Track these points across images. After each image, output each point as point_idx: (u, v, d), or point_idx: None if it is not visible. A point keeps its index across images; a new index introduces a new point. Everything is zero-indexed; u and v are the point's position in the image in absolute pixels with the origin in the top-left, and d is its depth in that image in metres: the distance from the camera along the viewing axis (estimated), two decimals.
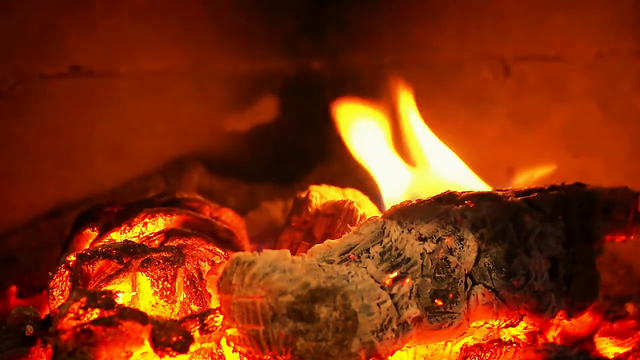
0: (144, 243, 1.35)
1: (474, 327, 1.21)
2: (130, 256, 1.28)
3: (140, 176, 2.04)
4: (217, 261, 1.34)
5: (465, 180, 1.54)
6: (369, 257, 1.13)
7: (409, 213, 1.21)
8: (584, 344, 1.40)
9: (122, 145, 2.00)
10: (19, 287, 1.54)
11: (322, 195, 1.48)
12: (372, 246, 1.14)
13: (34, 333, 1.26)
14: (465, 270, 1.17)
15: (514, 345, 1.23)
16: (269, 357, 1.06)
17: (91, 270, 1.29)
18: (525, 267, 1.20)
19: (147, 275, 1.27)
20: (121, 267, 1.28)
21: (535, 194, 1.29)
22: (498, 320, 1.20)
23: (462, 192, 1.26)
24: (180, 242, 1.35)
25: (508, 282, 1.19)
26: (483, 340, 1.26)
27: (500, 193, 1.28)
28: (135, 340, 1.07)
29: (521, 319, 1.23)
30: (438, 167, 1.57)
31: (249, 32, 2.18)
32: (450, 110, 2.00)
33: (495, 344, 1.24)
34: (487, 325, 1.21)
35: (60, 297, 1.27)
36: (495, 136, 2.02)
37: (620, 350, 1.36)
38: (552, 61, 1.92)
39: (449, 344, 1.25)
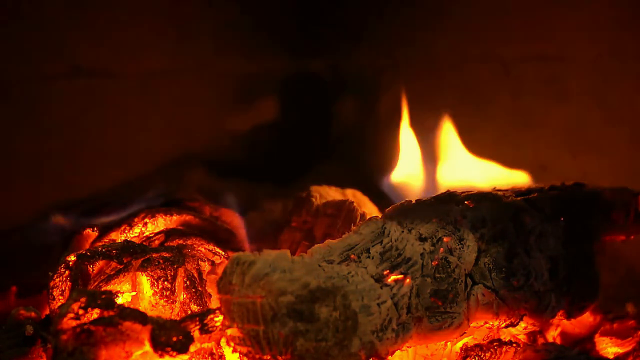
0: (144, 243, 1.35)
1: (474, 327, 1.21)
2: (130, 256, 1.28)
3: (140, 176, 2.04)
4: (217, 261, 1.34)
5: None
6: (369, 257, 1.13)
7: (409, 213, 1.21)
8: (584, 344, 1.40)
9: (122, 145, 2.00)
10: (19, 287, 1.54)
11: (322, 195, 1.48)
12: (372, 246, 1.14)
13: (34, 333, 1.25)
14: (465, 270, 1.17)
15: (514, 345, 1.23)
16: (269, 357, 1.06)
17: (91, 270, 1.29)
18: (525, 267, 1.20)
19: (147, 275, 1.27)
20: (121, 267, 1.28)
21: (535, 194, 1.30)
22: (498, 320, 1.20)
23: (462, 192, 1.26)
24: (180, 242, 1.35)
25: (508, 282, 1.19)
26: (483, 340, 1.26)
27: (500, 193, 1.28)
28: (135, 340, 1.07)
29: (521, 319, 1.23)
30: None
31: (249, 32, 2.18)
32: (451, 110, 2.00)
33: (495, 344, 1.24)
34: (487, 325, 1.21)
35: (60, 297, 1.27)
36: (495, 136, 2.02)
37: (620, 350, 1.36)
38: (552, 61, 1.92)
39: (449, 344, 1.25)
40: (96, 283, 1.27)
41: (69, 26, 1.86)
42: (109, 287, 1.25)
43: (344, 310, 1.04)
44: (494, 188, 1.33)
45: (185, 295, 1.28)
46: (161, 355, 1.07)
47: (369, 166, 1.94)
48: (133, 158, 2.03)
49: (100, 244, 1.37)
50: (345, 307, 1.05)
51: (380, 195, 1.63)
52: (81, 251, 1.31)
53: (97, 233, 1.40)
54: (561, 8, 1.89)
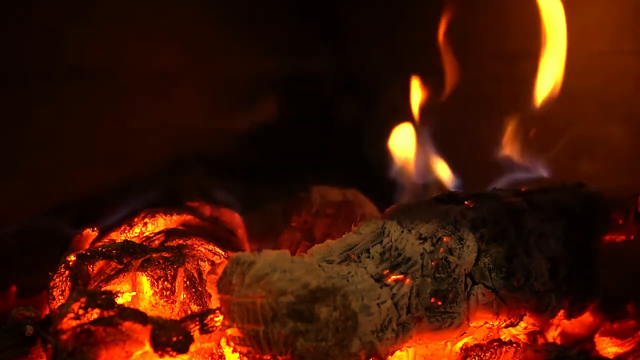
0: (144, 243, 1.35)
1: (474, 327, 1.21)
2: (130, 256, 1.28)
3: (140, 176, 2.04)
4: (217, 261, 1.34)
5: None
6: (369, 257, 1.13)
7: (409, 213, 1.21)
8: (584, 344, 1.40)
9: (122, 145, 2.00)
10: (19, 287, 1.54)
11: (322, 195, 1.48)
12: (372, 246, 1.14)
13: (34, 333, 1.26)
14: (465, 270, 1.17)
15: (514, 345, 1.23)
16: (269, 357, 1.06)
17: (91, 270, 1.29)
18: (525, 267, 1.20)
19: (147, 275, 1.27)
20: (121, 267, 1.28)
21: (536, 194, 1.30)
22: (498, 320, 1.20)
23: (462, 192, 1.27)
24: (180, 242, 1.35)
25: (508, 282, 1.19)
26: (483, 340, 1.26)
27: (500, 193, 1.28)
28: (135, 340, 1.07)
29: (521, 319, 1.23)
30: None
31: (249, 32, 2.18)
32: (451, 110, 2.00)
33: (495, 344, 1.24)
34: (487, 325, 1.21)
35: (60, 297, 1.27)
36: (495, 136, 2.01)
37: (620, 350, 1.36)
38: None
39: (449, 344, 1.25)
40: (96, 283, 1.27)
41: (70, 26, 1.86)
42: (109, 287, 1.25)
43: (344, 310, 1.04)
44: (494, 188, 1.33)
45: (185, 295, 1.28)
46: (161, 355, 1.07)
47: (369, 166, 1.94)
48: (133, 158, 2.03)
49: (100, 244, 1.37)
50: (345, 307, 1.04)
51: (381, 196, 1.63)
52: (81, 251, 1.31)
53: (97, 233, 1.41)
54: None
